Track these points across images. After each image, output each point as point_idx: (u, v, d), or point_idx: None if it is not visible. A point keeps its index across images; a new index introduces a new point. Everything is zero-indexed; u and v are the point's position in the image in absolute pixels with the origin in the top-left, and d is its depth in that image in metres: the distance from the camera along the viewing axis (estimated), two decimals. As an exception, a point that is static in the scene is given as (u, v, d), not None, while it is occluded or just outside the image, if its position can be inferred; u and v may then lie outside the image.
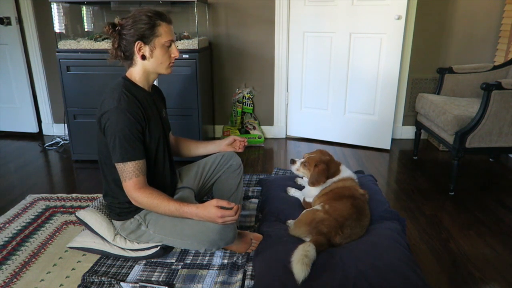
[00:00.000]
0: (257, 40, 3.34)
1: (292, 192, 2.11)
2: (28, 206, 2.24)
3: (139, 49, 1.55)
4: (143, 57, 1.57)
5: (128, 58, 1.59)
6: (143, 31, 1.52)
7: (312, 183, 1.86)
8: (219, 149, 1.96)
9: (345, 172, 1.90)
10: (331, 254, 1.54)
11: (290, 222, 1.83)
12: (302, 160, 1.93)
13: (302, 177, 2.03)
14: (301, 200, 2.02)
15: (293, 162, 1.95)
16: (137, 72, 1.61)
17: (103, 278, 1.58)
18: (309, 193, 1.93)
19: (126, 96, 1.52)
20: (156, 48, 1.56)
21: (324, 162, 1.87)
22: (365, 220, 1.74)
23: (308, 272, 1.40)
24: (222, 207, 1.49)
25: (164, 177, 1.73)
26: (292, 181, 2.25)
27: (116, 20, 1.57)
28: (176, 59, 1.65)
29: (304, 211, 1.80)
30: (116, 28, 1.55)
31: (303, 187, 2.08)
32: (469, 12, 3.18)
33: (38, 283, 1.60)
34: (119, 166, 1.52)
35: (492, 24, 3.19)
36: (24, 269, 1.69)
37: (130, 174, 1.51)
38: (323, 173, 1.84)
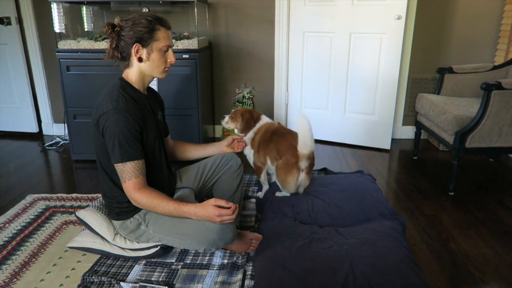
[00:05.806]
0: (257, 40, 3.34)
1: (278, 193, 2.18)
2: (28, 206, 2.24)
3: (137, 51, 1.57)
4: (140, 60, 1.59)
5: (125, 59, 1.60)
6: (141, 34, 1.54)
7: (243, 130, 2.17)
8: (218, 150, 1.98)
9: (265, 119, 2.24)
10: (331, 255, 1.54)
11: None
12: (229, 115, 2.26)
13: (231, 130, 2.32)
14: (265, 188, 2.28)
15: (222, 117, 2.27)
16: (133, 73, 1.62)
17: (103, 278, 1.58)
18: (249, 155, 2.22)
19: (123, 97, 1.53)
20: (153, 52, 1.58)
21: (248, 112, 2.21)
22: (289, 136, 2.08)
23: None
24: (220, 206, 1.50)
25: (161, 177, 1.74)
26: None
27: (116, 21, 1.58)
28: (175, 59, 1.66)
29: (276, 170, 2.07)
30: (115, 29, 1.57)
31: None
32: (469, 12, 3.18)
33: (38, 283, 1.60)
34: (119, 167, 1.52)
35: (492, 24, 3.19)
36: (24, 269, 1.69)
37: (129, 174, 1.51)
38: (249, 120, 2.18)
